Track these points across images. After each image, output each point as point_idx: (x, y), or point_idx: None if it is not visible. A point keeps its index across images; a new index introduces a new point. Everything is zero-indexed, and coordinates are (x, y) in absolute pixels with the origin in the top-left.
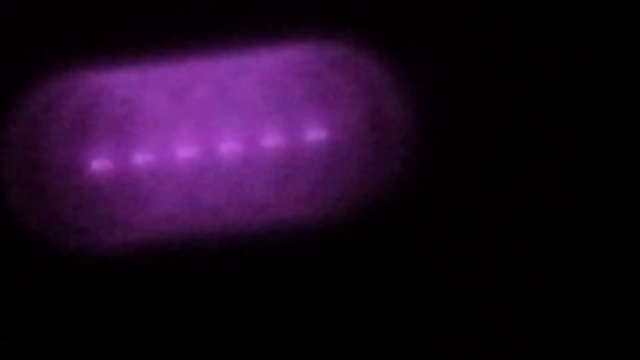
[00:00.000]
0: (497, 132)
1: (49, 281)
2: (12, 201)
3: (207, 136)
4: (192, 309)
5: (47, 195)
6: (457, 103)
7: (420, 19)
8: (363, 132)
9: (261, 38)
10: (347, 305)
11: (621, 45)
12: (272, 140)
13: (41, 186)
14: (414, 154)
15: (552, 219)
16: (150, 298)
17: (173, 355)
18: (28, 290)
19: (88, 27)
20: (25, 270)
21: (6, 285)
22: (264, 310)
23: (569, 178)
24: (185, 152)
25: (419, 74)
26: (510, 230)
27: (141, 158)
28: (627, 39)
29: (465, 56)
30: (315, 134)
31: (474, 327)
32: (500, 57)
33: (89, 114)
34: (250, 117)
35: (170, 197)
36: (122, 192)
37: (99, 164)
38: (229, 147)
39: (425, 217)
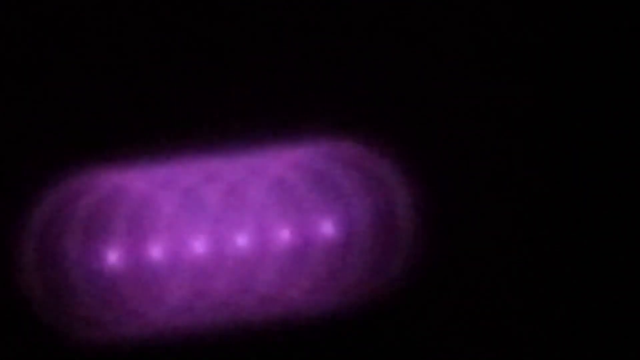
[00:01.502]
0: (504, 232)
1: None
2: (28, 293)
3: (219, 232)
4: None
5: (62, 288)
6: (466, 202)
7: (429, 118)
8: (371, 228)
9: (271, 138)
10: None
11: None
12: (282, 235)
13: (57, 279)
14: (422, 250)
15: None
16: None
17: None
18: None
19: (104, 126)
20: None
21: None
22: None
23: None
24: (198, 246)
25: (428, 173)
26: (515, 332)
27: (154, 252)
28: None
29: (475, 157)
30: (324, 230)
31: None
32: (511, 157)
33: (105, 211)
34: (261, 213)
35: (182, 291)
36: (136, 286)
37: (114, 258)
38: (240, 242)
39: (430, 314)
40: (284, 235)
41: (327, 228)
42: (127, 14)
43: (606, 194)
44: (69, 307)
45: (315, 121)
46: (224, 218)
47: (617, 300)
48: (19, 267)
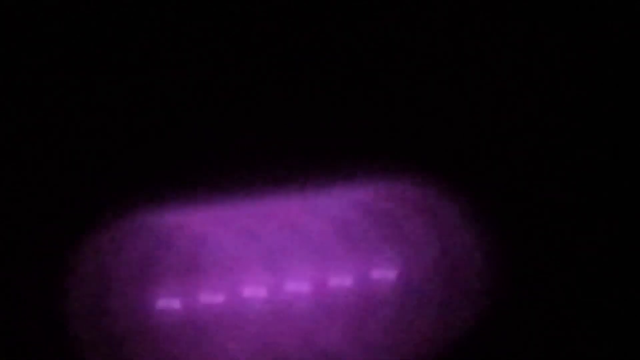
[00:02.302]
0: (573, 275)
1: None
2: (79, 341)
3: (277, 278)
4: None
5: (114, 336)
6: (534, 245)
7: (496, 160)
8: (437, 274)
9: (331, 178)
10: None
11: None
12: (343, 281)
13: (108, 327)
14: (486, 295)
15: None
16: None
17: None
18: None
19: (158, 166)
20: None
21: None
22: None
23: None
24: (255, 293)
25: (491, 214)
26: None
27: (210, 299)
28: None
29: (543, 199)
30: (386, 275)
31: None
32: (579, 202)
33: (159, 254)
34: (321, 257)
35: (237, 343)
36: (190, 335)
37: (168, 304)
38: (298, 288)
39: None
40: (346, 281)
41: (391, 273)
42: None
43: None
44: (120, 357)
45: (378, 160)
46: (282, 262)
47: None
48: (70, 314)
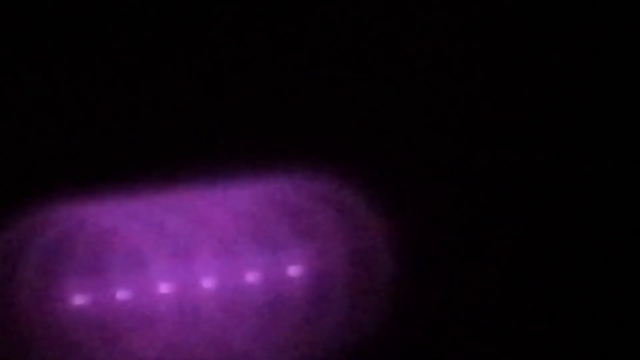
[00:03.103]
0: (485, 269)
1: None
2: None
3: (185, 273)
4: None
5: (19, 333)
6: (442, 242)
7: (407, 153)
8: (346, 268)
9: (241, 171)
10: None
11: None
12: (251, 277)
13: (14, 323)
14: (397, 292)
15: None
16: None
17: None
18: None
19: (66, 158)
20: None
21: None
22: None
23: None
24: (162, 289)
25: (403, 210)
26: None
27: (116, 295)
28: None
29: (454, 192)
30: (294, 271)
31: None
32: (492, 194)
33: (66, 248)
34: (230, 253)
35: (144, 339)
36: (96, 331)
37: (73, 300)
38: (206, 284)
39: (408, 356)
40: (254, 278)
41: (299, 269)
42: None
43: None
44: (28, 354)
45: (288, 153)
46: (190, 257)
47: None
48: None
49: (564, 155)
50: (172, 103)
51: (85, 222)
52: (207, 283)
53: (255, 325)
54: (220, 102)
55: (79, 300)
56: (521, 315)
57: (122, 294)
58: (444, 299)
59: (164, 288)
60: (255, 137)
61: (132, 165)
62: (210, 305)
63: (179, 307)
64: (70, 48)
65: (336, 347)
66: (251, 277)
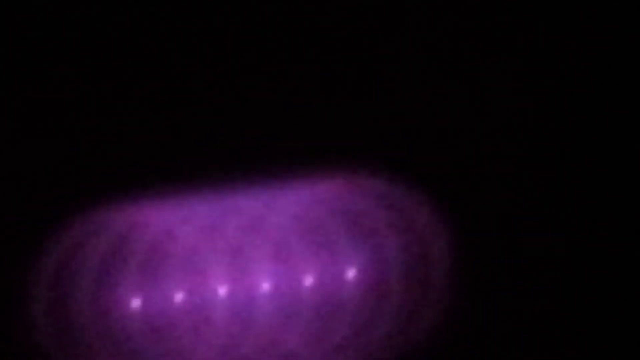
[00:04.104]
0: (539, 275)
1: None
2: (38, 344)
3: (240, 276)
4: None
5: (75, 337)
6: (502, 245)
7: (460, 158)
8: (399, 272)
9: (295, 174)
10: None
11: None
12: (305, 280)
13: (69, 327)
14: (454, 294)
15: None
16: None
17: None
18: None
19: (118, 161)
20: None
21: None
22: None
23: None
24: (217, 292)
25: (459, 212)
26: None
27: (171, 297)
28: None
29: (511, 199)
30: (350, 274)
31: None
32: (546, 201)
33: (120, 252)
34: (284, 256)
35: (199, 341)
36: (151, 333)
37: (129, 302)
38: (261, 287)
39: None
40: (309, 280)
41: (355, 272)
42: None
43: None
44: (83, 356)
45: (345, 154)
46: (246, 260)
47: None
48: (30, 315)
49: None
50: (227, 105)
51: (140, 225)
52: (263, 286)
53: (311, 329)
54: (276, 104)
55: (135, 303)
56: (579, 316)
57: (178, 297)
58: (502, 305)
59: (220, 291)
60: (311, 139)
61: (188, 168)
62: (266, 308)
63: (235, 310)
64: (114, 47)
65: (391, 353)
66: (307, 280)
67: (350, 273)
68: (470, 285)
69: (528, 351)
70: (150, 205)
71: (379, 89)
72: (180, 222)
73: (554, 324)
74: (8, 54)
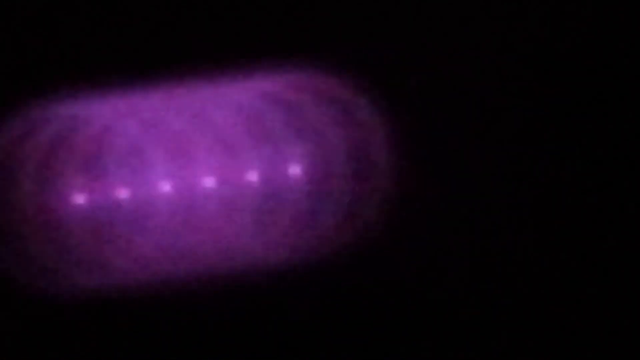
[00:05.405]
0: (482, 173)
1: (20, 325)
2: None
3: (183, 171)
4: (168, 355)
5: (16, 233)
6: (442, 139)
7: (405, 55)
8: (345, 166)
9: (240, 67)
10: (328, 347)
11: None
12: (249, 175)
13: (10, 223)
14: (396, 190)
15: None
16: (128, 343)
17: None
18: None
19: (60, 57)
20: None
21: None
22: (244, 355)
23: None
24: (160, 187)
25: (404, 108)
26: (490, 279)
27: (114, 192)
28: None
29: (455, 95)
30: (294, 169)
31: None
32: (488, 96)
33: (62, 147)
34: (228, 151)
35: (142, 236)
36: (94, 228)
37: (71, 197)
38: (205, 182)
39: (405, 258)
40: (252, 176)
41: (299, 166)
42: None
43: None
44: (24, 255)
45: (288, 49)
46: (188, 155)
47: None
48: None
49: None
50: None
51: (82, 120)
52: (206, 181)
53: (254, 223)
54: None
55: (77, 199)
56: (517, 225)
57: (120, 193)
58: (445, 197)
59: (162, 186)
60: (254, 33)
61: (129, 62)
62: (208, 203)
63: (177, 205)
64: None
65: (335, 245)
66: (249, 175)
67: (293, 167)
68: (410, 179)
69: (464, 240)
70: (91, 100)
71: None
72: (122, 117)
73: (489, 219)
74: None
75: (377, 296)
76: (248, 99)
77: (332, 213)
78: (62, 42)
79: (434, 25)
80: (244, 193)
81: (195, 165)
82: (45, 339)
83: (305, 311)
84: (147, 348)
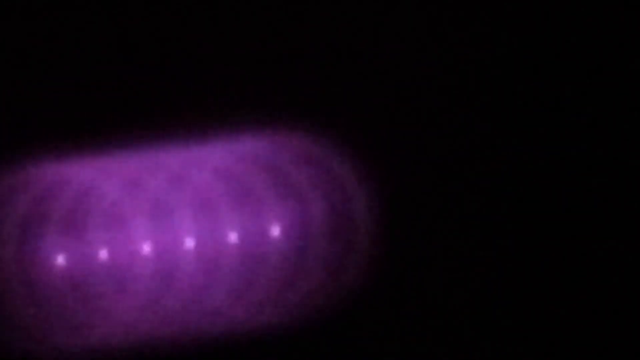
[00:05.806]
0: (464, 231)
1: None
2: None
3: (162, 232)
4: None
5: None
6: (426, 201)
7: (387, 115)
8: (326, 228)
9: (218, 128)
10: None
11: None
12: (229, 236)
13: None
14: (380, 252)
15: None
16: None
17: None
18: None
19: (40, 119)
20: None
21: None
22: None
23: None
24: (139, 248)
25: (385, 170)
26: (478, 332)
27: (93, 253)
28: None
29: (437, 155)
30: (272, 230)
31: None
32: (474, 157)
33: (43, 208)
34: (207, 212)
35: (121, 298)
36: (73, 289)
37: (50, 258)
38: (184, 243)
39: (389, 317)
40: (232, 237)
41: (279, 227)
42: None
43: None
44: (4, 316)
45: (267, 111)
46: (167, 216)
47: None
48: None
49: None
50: (149, 60)
51: (63, 181)
52: (186, 242)
53: (235, 284)
54: (197, 59)
55: (56, 259)
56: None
57: (100, 254)
58: (425, 260)
59: (143, 248)
60: (235, 95)
61: (110, 123)
62: (189, 265)
63: (158, 267)
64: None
65: (315, 307)
66: (230, 237)
67: (273, 229)
68: (392, 242)
69: (450, 309)
70: (72, 161)
71: (303, 45)
72: (102, 178)
73: (478, 281)
74: None
75: (359, 357)
76: (228, 160)
77: (313, 274)
78: (43, 102)
79: (415, 86)
80: (225, 254)
81: (175, 227)
82: None
83: None
84: None
